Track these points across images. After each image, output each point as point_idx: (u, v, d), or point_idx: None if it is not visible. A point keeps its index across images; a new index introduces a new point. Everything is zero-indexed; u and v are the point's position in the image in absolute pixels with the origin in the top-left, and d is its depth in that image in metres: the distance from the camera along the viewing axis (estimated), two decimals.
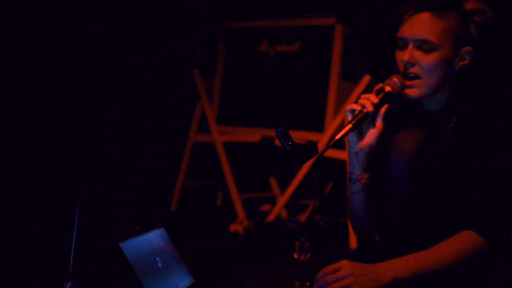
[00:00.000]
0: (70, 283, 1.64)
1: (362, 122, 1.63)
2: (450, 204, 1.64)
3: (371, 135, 1.68)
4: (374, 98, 1.64)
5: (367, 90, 4.31)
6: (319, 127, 4.50)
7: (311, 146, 1.62)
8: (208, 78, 5.19)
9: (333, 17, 4.49)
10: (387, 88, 1.65)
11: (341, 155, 4.26)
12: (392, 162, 1.75)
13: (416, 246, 1.61)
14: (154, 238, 1.87)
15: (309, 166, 4.50)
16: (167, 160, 5.17)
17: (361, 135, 1.69)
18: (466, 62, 1.68)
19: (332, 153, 4.19)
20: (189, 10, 4.98)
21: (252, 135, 4.79)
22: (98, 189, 4.07)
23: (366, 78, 4.36)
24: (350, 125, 1.61)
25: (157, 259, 1.81)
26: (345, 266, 1.55)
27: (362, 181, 1.74)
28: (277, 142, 4.62)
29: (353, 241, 4.19)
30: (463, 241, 1.59)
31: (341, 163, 4.22)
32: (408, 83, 1.66)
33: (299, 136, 4.18)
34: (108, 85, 4.51)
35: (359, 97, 1.67)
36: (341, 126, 4.44)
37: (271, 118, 4.71)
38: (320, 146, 4.32)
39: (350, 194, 1.79)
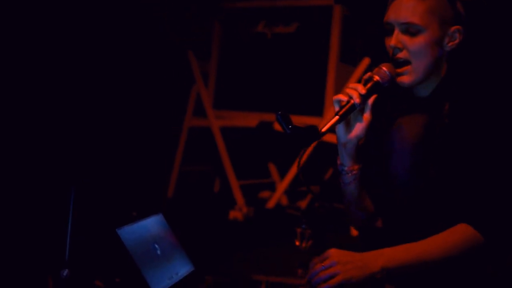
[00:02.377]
0: (66, 270, 1.64)
1: (349, 113, 1.61)
2: (448, 194, 1.63)
3: (359, 126, 1.66)
4: (361, 89, 1.60)
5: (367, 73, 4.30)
6: (318, 112, 4.47)
7: (312, 130, 1.59)
8: (203, 60, 5.13)
9: None
10: (376, 78, 1.63)
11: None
12: (390, 152, 1.74)
13: (415, 234, 1.60)
14: (152, 224, 1.86)
15: (309, 152, 4.48)
16: (163, 145, 5.15)
17: (349, 126, 1.67)
18: (456, 41, 1.65)
19: (330, 138, 4.15)
20: None
21: (250, 120, 4.76)
22: (94, 175, 4.06)
23: (366, 61, 4.33)
24: (337, 117, 1.59)
25: (156, 246, 1.80)
26: (332, 254, 1.55)
27: (354, 172, 1.73)
28: (276, 126, 4.62)
29: (353, 228, 4.17)
30: (458, 234, 1.58)
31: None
32: (398, 70, 1.64)
33: (298, 120, 4.13)
34: (100, 72, 4.46)
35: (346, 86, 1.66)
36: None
37: (269, 102, 4.68)
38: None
39: (342, 185, 1.78)
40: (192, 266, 1.94)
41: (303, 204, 4.98)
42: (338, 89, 4.41)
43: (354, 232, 4.15)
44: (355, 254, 1.57)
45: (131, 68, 4.71)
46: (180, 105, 5.19)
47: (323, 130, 1.56)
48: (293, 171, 4.62)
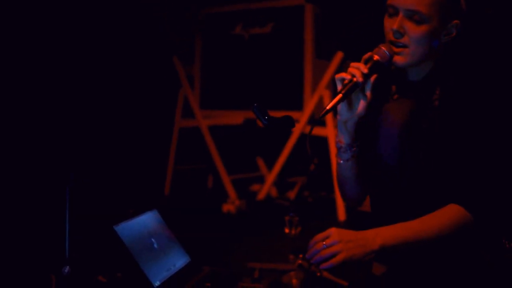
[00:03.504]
0: (67, 267, 1.65)
1: (352, 91, 1.62)
2: (437, 176, 1.63)
3: (360, 104, 1.66)
4: (363, 68, 1.61)
5: (341, 67, 4.40)
6: (298, 106, 4.59)
7: (288, 120, 1.64)
8: (188, 64, 5.25)
9: None
10: (376, 57, 1.64)
11: (322, 132, 4.40)
12: (381, 132, 1.74)
13: (404, 217, 1.61)
14: (148, 220, 1.87)
15: (293, 144, 4.63)
16: (157, 146, 5.25)
17: (350, 104, 1.67)
18: (453, 35, 1.66)
19: (314, 130, 4.28)
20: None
21: (236, 118, 4.87)
22: (92, 176, 4.08)
23: (339, 55, 4.43)
24: (340, 95, 1.60)
25: (152, 240, 1.82)
26: (333, 233, 1.54)
27: (353, 149, 1.73)
28: (260, 122, 4.71)
29: (341, 214, 4.31)
30: (450, 214, 1.59)
31: (323, 140, 4.34)
32: (395, 49, 1.64)
33: (279, 115, 4.25)
34: (93, 78, 4.53)
35: (348, 66, 1.65)
36: (319, 103, 4.57)
37: (252, 100, 4.73)
38: (300, 123, 4.46)
39: (340, 163, 1.78)
40: (189, 257, 1.96)
41: (291, 194, 5.07)
42: (315, 84, 4.55)
43: (341, 217, 4.28)
44: (356, 232, 1.56)
45: (125, 74, 4.79)
46: (171, 107, 5.31)
47: (328, 107, 1.59)
48: (279, 163, 4.71)
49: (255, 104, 1.59)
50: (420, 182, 1.66)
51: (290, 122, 1.65)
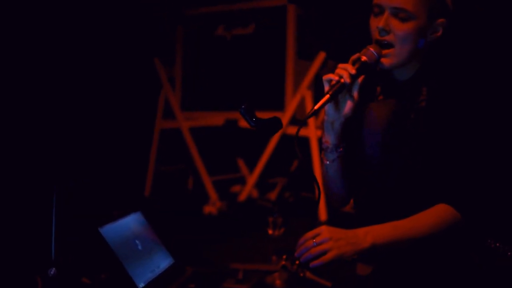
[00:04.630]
0: (53, 269, 1.66)
1: (340, 92, 1.62)
2: (423, 176, 1.64)
3: (347, 105, 1.66)
4: (351, 69, 1.62)
5: (323, 67, 4.42)
6: (280, 106, 4.59)
7: (275, 121, 1.64)
8: (169, 66, 5.24)
9: None
10: (363, 58, 1.64)
11: (303, 132, 4.40)
12: (365, 133, 1.74)
13: (389, 217, 1.62)
14: (132, 222, 1.89)
15: (275, 145, 4.63)
16: (138, 148, 5.24)
17: (337, 105, 1.67)
18: (438, 34, 1.67)
19: (294, 131, 4.29)
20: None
21: (216, 119, 4.87)
22: (76, 178, 4.04)
23: (321, 56, 4.44)
24: (327, 96, 1.60)
25: (137, 241, 1.84)
26: (324, 231, 1.54)
27: (339, 149, 1.73)
28: (241, 123, 4.74)
29: (322, 214, 4.32)
30: (439, 213, 1.60)
31: (304, 140, 4.34)
32: (383, 52, 1.65)
33: (261, 116, 4.27)
34: (74, 79, 4.49)
35: (330, 66, 1.67)
36: (301, 104, 4.58)
37: (233, 101, 4.75)
38: (283, 123, 4.46)
39: (326, 163, 1.78)
40: (172, 259, 1.98)
41: (273, 195, 5.09)
42: (297, 84, 4.56)
43: (323, 217, 4.29)
44: (347, 231, 1.56)
45: (105, 76, 4.77)
46: (152, 108, 5.29)
47: (316, 107, 1.59)
48: (260, 164, 4.72)
49: (243, 106, 1.58)
50: (406, 182, 1.67)
51: (277, 124, 1.65)
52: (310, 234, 1.56)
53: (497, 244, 1.78)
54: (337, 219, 3.84)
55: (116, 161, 4.81)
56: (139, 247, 1.84)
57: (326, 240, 1.52)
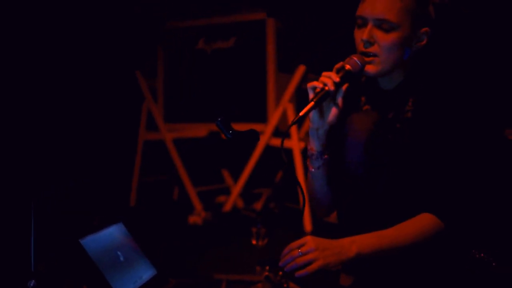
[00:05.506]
0: (33, 281, 1.65)
1: (324, 100, 1.64)
2: (407, 186, 1.66)
3: (332, 113, 1.68)
4: (335, 77, 1.63)
5: (304, 80, 4.46)
6: (263, 118, 4.64)
7: (252, 134, 1.67)
8: (152, 78, 5.27)
9: (263, 12, 4.61)
10: (347, 67, 1.65)
11: (287, 143, 4.42)
12: (349, 143, 1.75)
13: (373, 227, 1.63)
14: (113, 232, 1.88)
15: (259, 156, 4.67)
16: (122, 159, 5.24)
17: (322, 113, 1.69)
18: (423, 43, 1.68)
19: (278, 142, 4.31)
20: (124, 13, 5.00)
21: (200, 130, 4.89)
22: (57, 188, 4.04)
23: (301, 69, 4.48)
24: (312, 103, 1.62)
25: (118, 253, 1.82)
26: (309, 241, 1.55)
27: (324, 156, 1.74)
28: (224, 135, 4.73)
29: (307, 225, 4.34)
30: (423, 222, 1.61)
31: (288, 152, 4.38)
32: (366, 59, 1.66)
33: (243, 128, 4.29)
34: (57, 90, 4.47)
35: (310, 79, 1.68)
36: (283, 116, 4.62)
37: (216, 112, 4.75)
38: (265, 135, 4.52)
39: (311, 171, 1.78)
40: (155, 270, 1.97)
41: (258, 205, 5.11)
42: (279, 97, 4.61)
43: (308, 228, 4.31)
44: (332, 241, 1.57)
45: (88, 88, 4.76)
46: (136, 120, 5.30)
47: (301, 114, 1.61)
48: (245, 175, 4.75)
49: (219, 119, 1.61)
50: (390, 192, 1.69)
51: (254, 136, 1.68)
52: (295, 244, 1.57)
53: (482, 255, 1.80)
54: (322, 230, 3.91)
55: (100, 172, 4.79)
56: (121, 258, 1.83)
57: (312, 250, 1.54)
